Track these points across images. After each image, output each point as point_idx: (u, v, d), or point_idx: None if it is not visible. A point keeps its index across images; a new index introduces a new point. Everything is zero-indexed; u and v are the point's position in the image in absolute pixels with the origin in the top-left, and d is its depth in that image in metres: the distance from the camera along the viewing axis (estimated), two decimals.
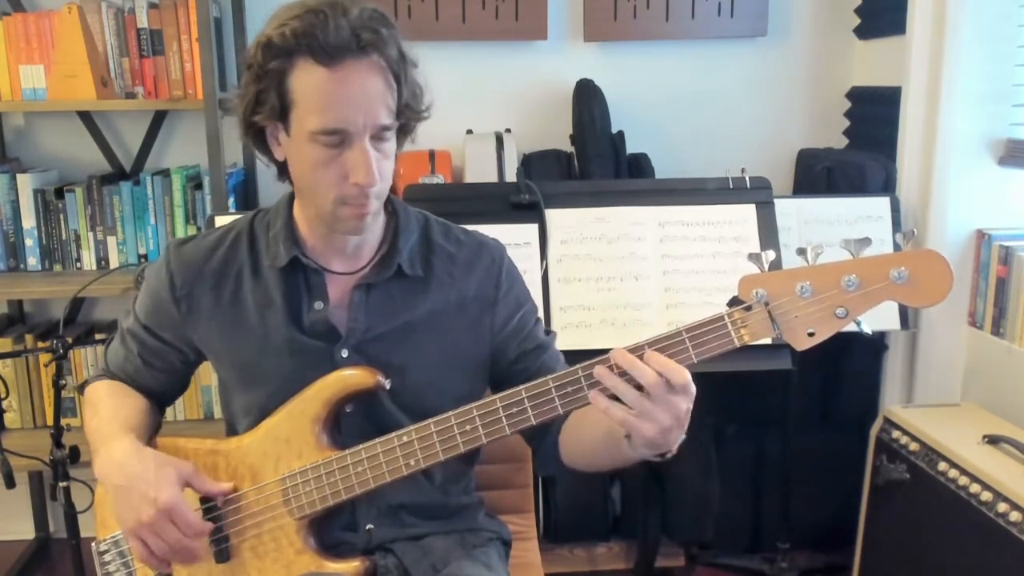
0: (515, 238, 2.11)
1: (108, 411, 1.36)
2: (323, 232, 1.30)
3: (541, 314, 2.05)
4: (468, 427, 1.20)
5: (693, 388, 1.10)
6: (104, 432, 1.31)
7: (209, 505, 1.30)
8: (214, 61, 2.33)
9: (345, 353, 1.30)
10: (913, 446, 2.04)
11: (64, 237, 2.51)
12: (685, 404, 1.10)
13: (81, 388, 1.46)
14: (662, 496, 2.52)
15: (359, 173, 1.18)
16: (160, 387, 1.42)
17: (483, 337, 1.36)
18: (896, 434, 2.10)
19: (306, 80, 1.16)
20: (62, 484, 1.99)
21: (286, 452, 1.28)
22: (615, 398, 1.11)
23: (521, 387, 1.18)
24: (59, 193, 2.50)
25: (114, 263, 2.52)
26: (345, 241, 1.31)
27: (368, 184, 1.19)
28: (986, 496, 1.79)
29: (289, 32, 1.15)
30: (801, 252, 1.12)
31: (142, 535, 1.22)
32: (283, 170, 1.29)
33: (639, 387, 1.09)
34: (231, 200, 2.45)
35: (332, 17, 1.14)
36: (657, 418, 1.09)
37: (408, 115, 1.25)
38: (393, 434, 1.24)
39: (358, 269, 1.33)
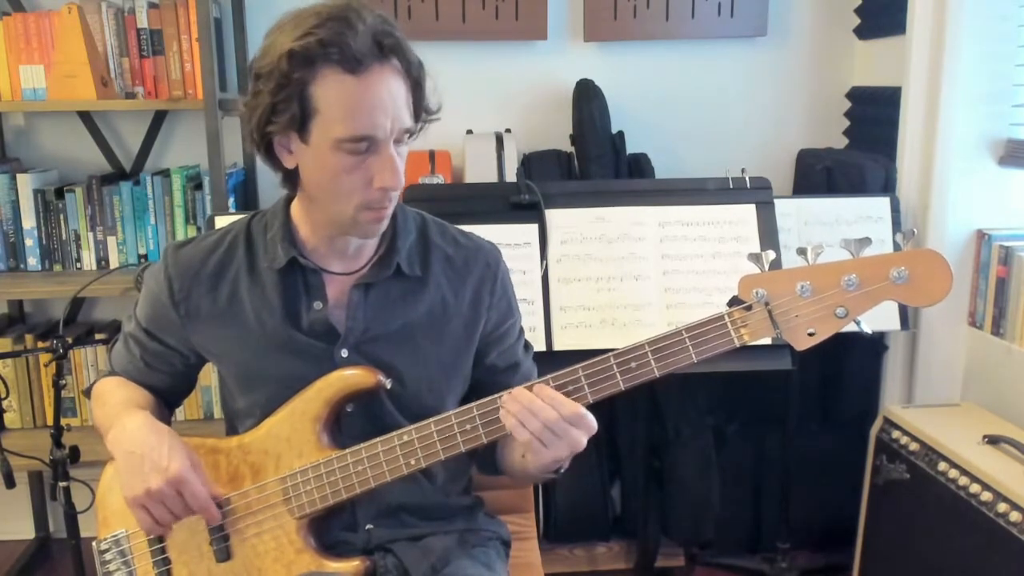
0: (515, 238, 2.11)
1: (119, 398, 1.37)
2: (330, 234, 1.30)
3: (541, 314, 2.08)
4: (468, 426, 1.21)
5: (592, 422, 1.16)
6: (116, 413, 1.32)
7: None
8: (214, 61, 2.33)
9: (345, 353, 1.30)
10: (913, 446, 2.04)
11: (64, 237, 2.51)
12: (583, 437, 1.17)
13: (88, 392, 1.47)
14: (662, 496, 2.53)
15: (386, 177, 1.19)
16: (165, 388, 1.43)
17: (474, 339, 1.37)
18: (896, 434, 2.10)
19: (331, 88, 1.15)
20: (62, 484, 1.99)
21: (287, 451, 1.29)
22: None
23: (522, 387, 1.18)
24: (59, 193, 2.50)
25: (114, 263, 2.52)
26: (347, 242, 1.31)
27: (394, 187, 1.20)
28: (986, 496, 1.79)
29: (315, 41, 1.13)
30: (801, 252, 1.13)
31: (147, 504, 1.23)
32: (289, 177, 1.28)
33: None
34: (231, 200, 2.45)
35: (355, 23, 1.14)
36: (557, 448, 1.16)
37: (425, 117, 1.26)
38: (394, 433, 1.24)
39: (356, 269, 1.33)
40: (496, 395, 1.20)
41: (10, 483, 1.98)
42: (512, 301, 1.42)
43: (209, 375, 2.49)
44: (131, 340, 1.41)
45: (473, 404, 1.21)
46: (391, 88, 1.18)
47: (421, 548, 1.36)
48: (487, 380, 1.38)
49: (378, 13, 1.19)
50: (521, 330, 1.45)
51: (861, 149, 2.65)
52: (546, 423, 1.14)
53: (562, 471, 1.26)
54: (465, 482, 1.47)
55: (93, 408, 1.42)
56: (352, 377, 1.27)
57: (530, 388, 1.18)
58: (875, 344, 2.43)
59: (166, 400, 1.44)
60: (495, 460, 1.40)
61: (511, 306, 1.42)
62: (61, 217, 2.50)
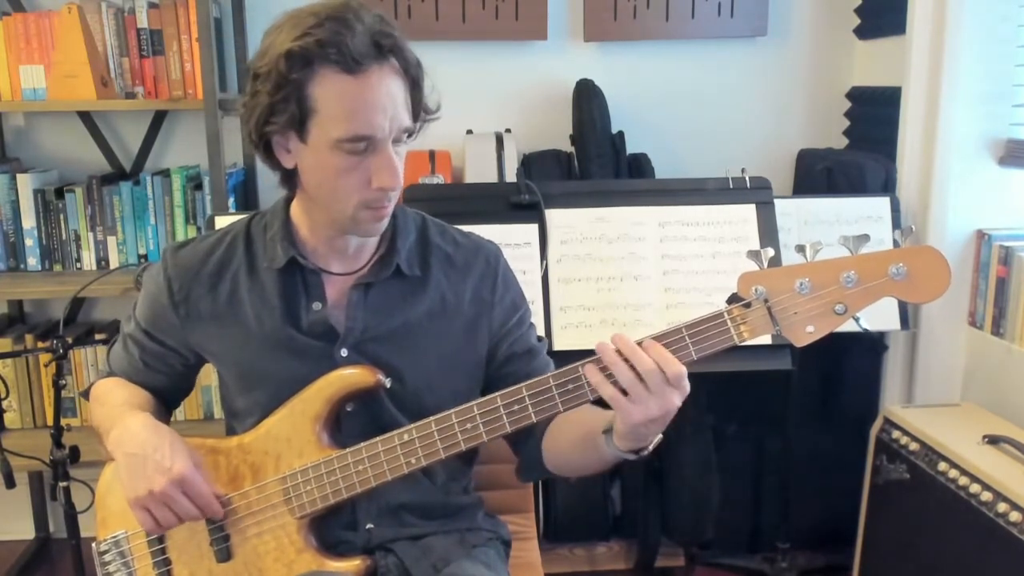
0: (515, 238, 2.11)
1: (118, 399, 1.37)
2: (330, 235, 1.30)
3: (541, 314, 2.08)
4: (469, 425, 1.20)
5: (687, 385, 1.11)
6: (117, 413, 1.32)
7: None
8: (214, 61, 2.33)
9: (344, 352, 1.30)
10: (913, 446, 2.04)
11: (64, 237, 2.51)
12: (678, 398, 1.11)
13: (85, 393, 1.47)
14: (662, 496, 2.52)
15: (384, 177, 1.19)
16: (164, 388, 1.43)
17: (480, 339, 1.37)
18: (896, 434, 2.10)
19: (329, 89, 1.15)
20: (62, 484, 1.99)
21: (287, 451, 1.29)
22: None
23: (522, 384, 1.18)
24: (59, 193, 2.50)
25: (114, 263, 2.52)
26: (347, 242, 1.31)
27: (393, 187, 1.20)
28: (986, 496, 1.79)
29: (313, 42, 1.14)
30: (800, 249, 1.13)
31: (149, 505, 1.22)
32: (288, 177, 1.28)
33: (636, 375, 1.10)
34: (231, 200, 2.46)
35: (353, 24, 1.15)
36: (648, 405, 1.09)
37: (423, 116, 1.26)
38: (394, 432, 1.24)
39: (356, 269, 1.33)
40: (494, 394, 1.19)
41: (10, 483, 1.98)
42: (517, 296, 1.41)
43: (209, 375, 2.49)
44: (130, 341, 1.41)
45: (473, 403, 1.20)
46: (389, 88, 1.18)
47: (422, 547, 1.36)
48: (505, 371, 1.37)
49: (376, 13, 1.19)
50: (532, 324, 1.43)
51: (861, 149, 2.65)
52: (643, 373, 1.08)
53: (644, 453, 1.18)
54: (466, 481, 1.47)
55: (92, 409, 1.42)
56: (351, 376, 1.27)
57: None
58: (875, 344, 2.42)
59: (165, 400, 1.44)
60: (541, 457, 1.34)
61: (515, 301, 1.41)
62: (61, 217, 2.50)
